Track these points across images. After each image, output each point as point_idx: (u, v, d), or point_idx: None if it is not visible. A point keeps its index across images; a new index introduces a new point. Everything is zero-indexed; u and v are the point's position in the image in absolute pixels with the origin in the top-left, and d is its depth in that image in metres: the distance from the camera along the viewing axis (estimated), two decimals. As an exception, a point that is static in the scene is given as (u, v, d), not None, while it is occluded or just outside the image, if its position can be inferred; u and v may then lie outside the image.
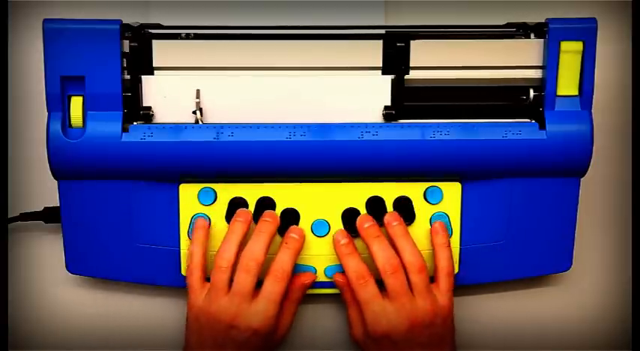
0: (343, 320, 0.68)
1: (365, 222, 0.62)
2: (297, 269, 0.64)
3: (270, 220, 0.62)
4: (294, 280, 0.63)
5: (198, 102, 0.62)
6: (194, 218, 0.64)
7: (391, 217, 0.63)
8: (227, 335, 0.60)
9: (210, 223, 0.63)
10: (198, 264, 0.61)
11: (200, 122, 0.61)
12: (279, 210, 0.64)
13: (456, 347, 0.63)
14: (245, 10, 0.65)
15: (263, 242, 0.61)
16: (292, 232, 0.63)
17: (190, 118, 0.62)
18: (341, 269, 0.64)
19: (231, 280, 0.60)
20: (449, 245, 0.63)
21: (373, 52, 0.62)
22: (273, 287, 0.60)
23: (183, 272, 0.64)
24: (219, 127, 0.61)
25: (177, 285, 0.64)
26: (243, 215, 0.62)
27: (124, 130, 0.60)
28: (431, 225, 0.64)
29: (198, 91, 0.62)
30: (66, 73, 0.60)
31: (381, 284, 0.61)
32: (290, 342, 0.67)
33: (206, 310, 0.60)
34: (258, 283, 0.60)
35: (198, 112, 0.61)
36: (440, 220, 0.64)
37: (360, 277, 0.61)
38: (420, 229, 0.65)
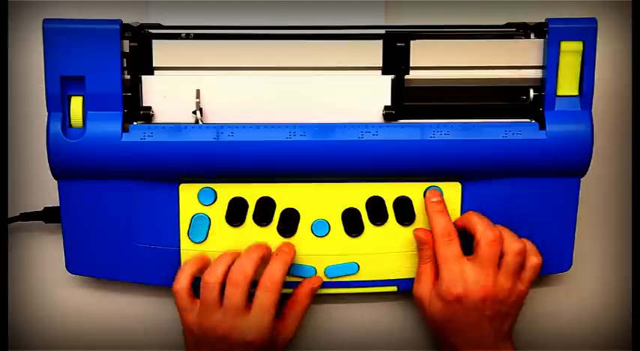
0: (343, 320, 0.68)
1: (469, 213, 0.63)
2: (297, 269, 0.64)
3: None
4: (302, 286, 0.63)
5: (198, 102, 0.62)
6: (194, 218, 0.64)
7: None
8: (223, 348, 0.60)
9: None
10: (182, 286, 0.61)
11: (200, 122, 0.61)
12: (279, 210, 0.64)
13: (513, 331, 0.63)
14: (245, 10, 0.65)
15: (253, 260, 0.60)
16: (283, 246, 0.63)
17: (190, 118, 0.62)
18: (341, 269, 0.64)
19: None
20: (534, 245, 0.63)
21: (373, 52, 0.62)
22: (264, 297, 0.60)
23: (183, 272, 0.64)
24: (219, 127, 0.61)
25: (177, 285, 0.64)
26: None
27: (124, 130, 0.60)
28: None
29: (198, 91, 0.62)
30: (66, 73, 0.60)
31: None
32: (290, 342, 0.67)
33: (200, 325, 0.60)
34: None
35: (198, 112, 0.61)
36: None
37: (447, 234, 0.61)
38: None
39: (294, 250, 0.63)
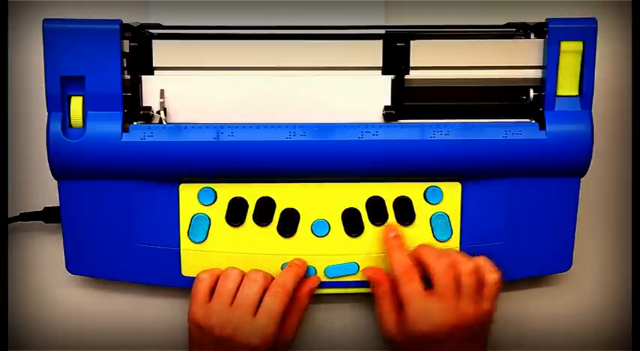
0: (343, 320, 0.68)
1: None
2: (297, 269, 0.64)
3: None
4: (301, 286, 0.63)
5: (162, 102, 0.61)
6: (194, 218, 0.64)
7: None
8: (227, 347, 0.60)
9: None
10: (212, 277, 0.62)
11: (164, 122, 0.61)
12: (279, 210, 0.64)
13: (486, 346, 0.63)
14: (245, 10, 0.65)
15: (269, 272, 0.62)
16: (296, 261, 0.64)
17: (191, 118, 0.62)
18: (341, 269, 0.64)
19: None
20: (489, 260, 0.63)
21: (373, 52, 0.62)
22: (273, 303, 0.60)
23: (183, 272, 0.64)
24: (219, 127, 0.61)
25: (177, 285, 0.64)
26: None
27: (124, 130, 0.60)
28: (433, 226, 0.64)
29: (162, 91, 0.62)
30: (66, 73, 0.60)
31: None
32: (291, 342, 0.67)
33: (208, 322, 0.60)
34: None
35: (162, 112, 0.61)
36: (443, 221, 0.64)
37: (407, 272, 0.61)
38: (420, 229, 0.65)
39: (306, 266, 0.64)
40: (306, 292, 0.63)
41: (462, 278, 0.60)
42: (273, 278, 0.62)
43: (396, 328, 0.61)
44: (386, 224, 0.64)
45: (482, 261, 0.62)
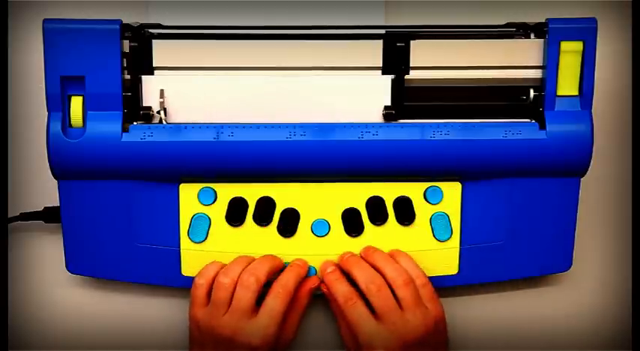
0: (343, 320, 0.68)
1: (345, 255, 0.64)
2: (297, 269, 0.64)
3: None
4: (299, 287, 0.63)
5: (162, 102, 0.61)
6: (194, 218, 0.64)
7: (365, 250, 0.64)
8: (228, 348, 0.60)
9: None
10: (208, 280, 0.62)
11: (164, 122, 0.61)
12: (279, 210, 0.64)
13: (448, 346, 0.63)
14: (245, 10, 0.65)
15: (266, 265, 0.61)
16: (298, 261, 0.64)
17: (191, 118, 0.62)
18: (341, 269, 0.64)
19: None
20: (408, 255, 0.63)
21: (373, 52, 0.62)
22: (274, 303, 0.60)
23: (183, 272, 0.64)
24: (219, 127, 0.61)
25: (177, 285, 0.64)
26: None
27: (124, 130, 0.60)
28: (434, 227, 0.64)
29: (162, 91, 0.62)
30: (66, 73, 0.60)
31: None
32: (291, 342, 0.67)
33: (207, 324, 0.60)
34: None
35: (162, 112, 0.61)
36: (442, 221, 0.64)
37: (349, 299, 0.61)
38: (420, 229, 0.65)
39: (307, 266, 0.64)
40: (306, 292, 0.63)
41: (398, 292, 0.60)
42: (269, 263, 0.62)
43: (354, 348, 0.62)
44: (323, 262, 0.64)
45: (408, 264, 0.62)
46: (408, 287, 0.61)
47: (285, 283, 0.61)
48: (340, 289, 0.62)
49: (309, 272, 0.64)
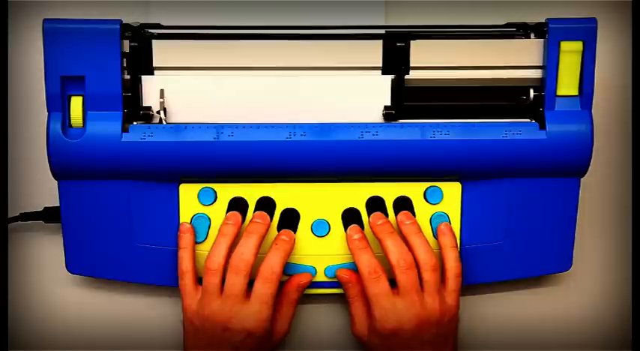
0: (344, 320, 0.68)
1: (378, 219, 0.63)
2: (297, 269, 0.64)
3: (260, 221, 0.62)
4: (290, 281, 0.64)
5: (162, 102, 0.61)
6: (194, 218, 0.64)
7: (404, 216, 0.63)
8: (222, 337, 0.60)
9: (193, 227, 0.63)
10: (188, 268, 0.62)
11: (164, 122, 0.61)
12: (279, 210, 0.64)
13: (457, 348, 0.63)
14: (245, 10, 0.65)
15: (252, 243, 0.60)
16: (283, 235, 0.63)
17: (191, 118, 0.62)
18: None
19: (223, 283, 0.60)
20: (456, 246, 0.63)
21: (373, 52, 0.62)
22: (263, 288, 0.60)
23: (183, 272, 0.64)
24: (220, 127, 0.61)
25: (177, 285, 0.64)
26: (232, 218, 0.62)
27: (124, 130, 0.60)
28: (433, 227, 0.64)
29: (162, 91, 0.62)
30: (66, 73, 0.60)
31: (391, 283, 0.61)
32: (290, 342, 0.67)
33: (200, 314, 0.60)
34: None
35: (162, 112, 0.61)
36: (443, 221, 0.64)
37: (373, 271, 0.61)
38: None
39: (293, 239, 0.63)
40: (294, 287, 0.63)
41: (423, 275, 0.61)
42: (253, 241, 0.60)
43: (367, 329, 0.62)
44: (350, 227, 0.63)
45: (448, 255, 0.62)
46: (435, 272, 0.61)
47: (272, 266, 0.60)
48: (366, 259, 0.61)
49: (308, 272, 0.64)
